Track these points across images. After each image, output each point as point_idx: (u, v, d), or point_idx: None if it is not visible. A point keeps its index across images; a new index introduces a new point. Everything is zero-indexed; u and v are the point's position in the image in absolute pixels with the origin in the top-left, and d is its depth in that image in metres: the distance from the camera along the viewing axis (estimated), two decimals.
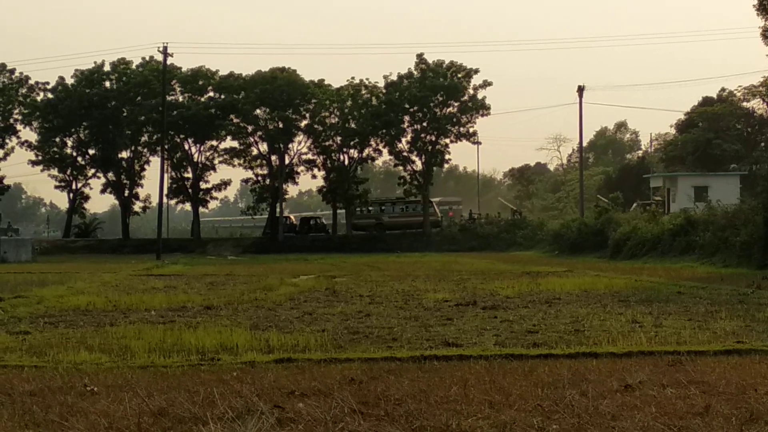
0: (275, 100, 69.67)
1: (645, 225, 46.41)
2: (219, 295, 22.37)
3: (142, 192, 75.00)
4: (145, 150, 73.56)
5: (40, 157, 72.40)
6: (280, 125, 71.03)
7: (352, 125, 71.80)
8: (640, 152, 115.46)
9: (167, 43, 61.63)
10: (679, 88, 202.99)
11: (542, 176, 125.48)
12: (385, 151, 73.74)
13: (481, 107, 71.22)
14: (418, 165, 72.03)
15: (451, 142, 72.13)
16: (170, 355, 12.07)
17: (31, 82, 72.42)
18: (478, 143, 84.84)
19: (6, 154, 72.10)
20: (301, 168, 73.59)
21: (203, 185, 73.61)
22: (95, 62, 72.97)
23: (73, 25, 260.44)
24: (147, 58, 72.10)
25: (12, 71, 72.15)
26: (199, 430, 7.65)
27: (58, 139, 72.77)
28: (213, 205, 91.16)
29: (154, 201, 74.58)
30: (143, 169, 74.15)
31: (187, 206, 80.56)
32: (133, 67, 72.55)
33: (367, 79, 72.21)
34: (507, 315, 16.90)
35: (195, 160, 72.61)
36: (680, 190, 64.04)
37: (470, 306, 18.71)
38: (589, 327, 14.76)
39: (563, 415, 8.03)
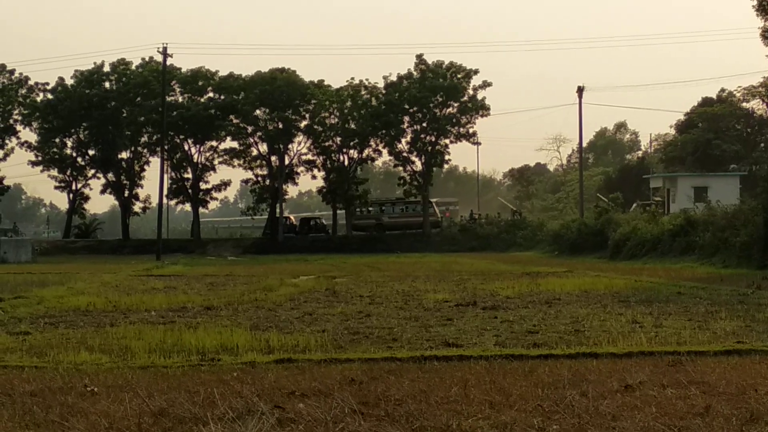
0: (275, 100, 69.67)
1: (645, 225, 46.41)
2: (219, 295, 22.38)
3: (142, 192, 75.07)
4: (145, 150, 73.54)
5: (39, 158, 72.37)
6: (280, 126, 71.02)
7: (352, 126, 71.80)
8: (639, 153, 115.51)
9: (167, 44, 61.74)
10: (678, 88, 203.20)
11: (542, 177, 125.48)
12: (384, 151, 73.80)
13: (480, 108, 71.24)
14: (418, 165, 72.06)
15: (451, 142, 72.19)
16: (170, 356, 12.07)
17: (31, 82, 72.44)
18: (478, 144, 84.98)
19: (6, 155, 72.08)
20: (301, 168, 73.63)
21: (203, 186, 73.59)
22: (95, 63, 73.03)
23: (72, 25, 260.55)
24: (147, 59, 72.15)
25: (12, 72, 72.14)
26: (200, 431, 7.65)
27: (57, 140, 72.73)
28: (213, 205, 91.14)
29: (154, 201, 74.62)
30: (143, 170, 74.15)
31: (187, 207, 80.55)
32: (133, 67, 72.52)
33: (366, 79, 72.33)
34: (507, 315, 16.90)
35: (195, 160, 72.60)
36: (680, 190, 64.04)
37: (470, 306, 18.72)
38: (590, 327, 14.77)
39: (563, 416, 8.04)
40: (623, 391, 9.18)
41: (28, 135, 73.32)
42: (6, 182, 73.94)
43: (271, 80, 70.16)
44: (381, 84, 71.70)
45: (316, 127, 71.62)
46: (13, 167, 77.36)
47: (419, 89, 69.86)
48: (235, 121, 71.88)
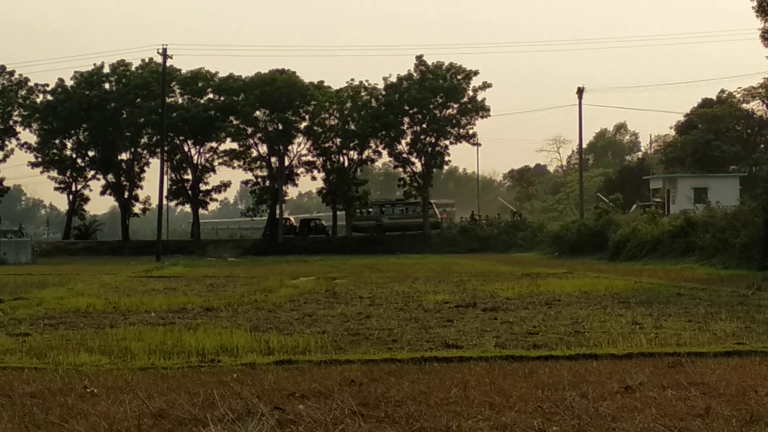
0: (275, 101, 69.66)
1: (645, 226, 46.40)
2: (219, 296, 22.37)
3: (141, 194, 75.02)
4: (145, 152, 73.54)
5: (39, 159, 72.37)
6: (280, 127, 71.01)
7: (352, 127, 71.80)
8: (639, 154, 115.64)
9: (167, 45, 61.81)
10: (678, 89, 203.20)
11: (542, 178, 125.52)
12: (384, 152, 73.77)
13: (480, 109, 71.24)
14: (418, 166, 72.04)
15: (451, 143, 72.18)
16: (170, 357, 12.07)
17: (31, 83, 72.43)
18: (478, 145, 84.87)
19: (6, 156, 72.09)
20: (301, 170, 73.62)
21: (203, 187, 73.58)
22: (95, 64, 73.00)
23: (72, 26, 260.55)
24: (146, 60, 72.17)
25: (11, 73, 72.14)
26: None
27: (57, 141, 72.73)
28: (213, 206, 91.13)
29: (154, 203, 74.57)
30: (143, 171, 74.15)
31: (187, 208, 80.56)
32: (133, 68, 72.52)
33: (366, 80, 72.33)
34: (507, 316, 16.90)
35: (195, 161, 72.60)
36: (680, 191, 64.05)
37: (470, 307, 18.71)
38: (589, 328, 14.76)
39: (563, 417, 8.03)
40: (623, 392, 9.18)
41: (28, 136, 73.45)
42: (6, 183, 73.96)
43: (270, 81, 70.16)
44: (381, 85, 71.81)
45: (316, 128, 71.62)
46: (12, 168, 77.30)
47: (419, 90, 69.86)
48: (234, 122, 71.88)
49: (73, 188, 73.57)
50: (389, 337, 14.07)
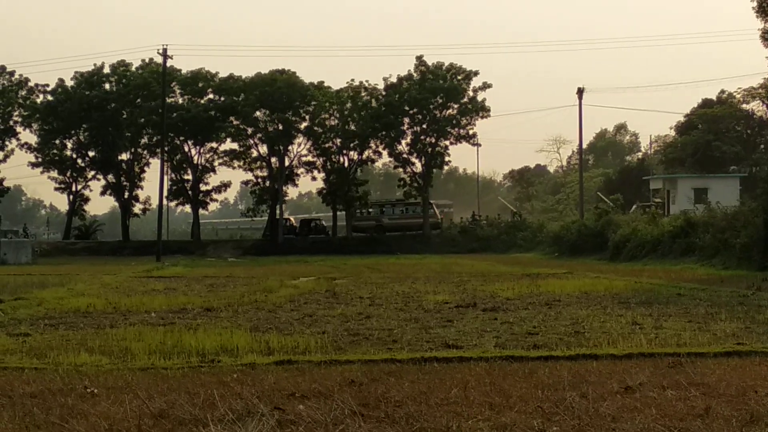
0: (275, 102, 69.68)
1: (645, 227, 46.41)
2: (219, 297, 22.37)
3: (141, 194, 75.08)
4: (145, 152, 73.58)
5: (39, 159, 72.40)
6: (280, 127, 71.03)
7: (352, 127, 71.81)
8: (639, 154, 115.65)
9: (167, 45, 61.85)
10: (678, 90, 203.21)
11: (542, 178, 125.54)
12: (384, 153, 73.81)
13: (480, 109, 71.26)
14: (418, 167, 72.07)
15: (451, 143, 72.22)
16: (170, 357, 12.07)
17: (31, 84, 72.49)
18: (478, 145, 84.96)
19: (6, 156, 72.13)
20: (301, 170, 73.66)
21: (203, 187, 73.62)
22: (95, 64, 73.05)
23: (72, 27, 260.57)
24: (147, 60, 72.21)
25: (12, 73, 72.18)
26: None
27: (57, 141, 72.77)
28: (213, 207, 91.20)
29: (154, 203, 74.62)
30: (143, 171, 74.18)
31: (187, 208, 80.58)
32: (133, 69, 72.56)
33: (366, 81, 72.39)
34: (507, 317, 16.90)
35: (195, 162, 72.62)
36: (680, 191, 64.07)
37: (470, 308, 18.71)
38: (589, 329, 14.76)
39: (563, 417, 8.04)
40: (623, 392, 9.18)
41: (28, 136, 73.50)
42: (6, 184, 73.99)
43: (271, 82, 70.18)
44: (381, 85, 71.86)
45: (316, 128, 71.64)
46: (13, 169, 77.37)
47: (419, 90, 69.88)
48: (235, 122, 71.90)
49: (74, 188, 73.61)
50: (389, 337, 14.07)
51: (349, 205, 72.60)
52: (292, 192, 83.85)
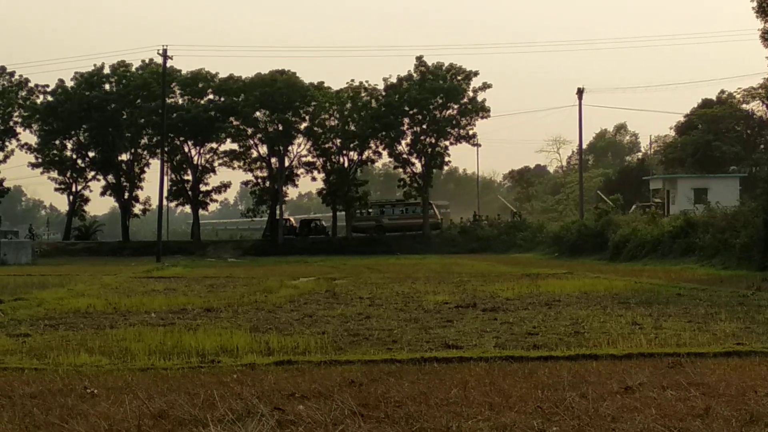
0: (275, 102, 69.69)
1: (645, 227, 46.42)
2: (219, 297, 22.37)
3: (141, 194, 75.13)
4: (145, 152, 73.59)
5: (39, 160, 72.43)
6: (280, 127, 71.04)
7: (352, 127, 71.82)
8: (639, 154, 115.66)
9: (167, 46, 61.84)
10: (678, 90, 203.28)
11: (542, 178, 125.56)
12: (384, 153, 73.83)
13: (480, 109, 71.27)
14: (418, 167, 72.08)
15: (451, 144, 72.24)
16: (170, 358, 12.07)
17: (31, 84, 72.53)
18: (478, 145, 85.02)
19: (6, 157, 72.16)
20: (301, 170, 73.68)
21: (203, 187, 73.63)
22: (95, 65, 73.08)
23: (72, 27, 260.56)
24: (147, 61, 72.23)
25: (12, 74, 72.20)
26: None
27: (57, 142, 72.80)
28: (213, 207, 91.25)
29: (154, 203, 74.63)
30: (143, 172, 74.21)
31: (187, 209, 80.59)
32: (133, 69, 72.58)
33: (366, 81, 72.40)
34: (507, 317, 16.90)
35: (195, 162, 72.64)
36: (680, 192, 64.08)
37: (470, 308, 18.70)
38: (589, 329, 14.76)
39: (563, 417, 8.04)
40: (623, 392, 9.18)
41: (28, 137, 73.54)
42: (6, 184, 74.02)
43: (271, 82, 70.19)
44: (381, 86, 71.88)
45: (316, 128, 71.66)
46: (13, 169, 77.60)
47: (419, 91, 69.89)
48: (235, 122, 71.92)
49: (74, 189, 73.63)
50: (389, 337, 14.07)
51: (349, 205, 72.61)
52: (292, 192, 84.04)
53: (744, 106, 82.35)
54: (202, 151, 72.65)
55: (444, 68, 71.36)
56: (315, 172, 73.68)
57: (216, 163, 73.27)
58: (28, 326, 16.17)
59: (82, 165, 73.53)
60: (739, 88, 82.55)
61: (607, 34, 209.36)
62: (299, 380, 10.07)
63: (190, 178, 72.94)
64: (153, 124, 69.22)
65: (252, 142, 72.64)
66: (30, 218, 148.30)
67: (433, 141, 71.35)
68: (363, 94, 72.09)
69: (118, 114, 71.78)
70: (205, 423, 7.83)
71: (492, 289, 24.01)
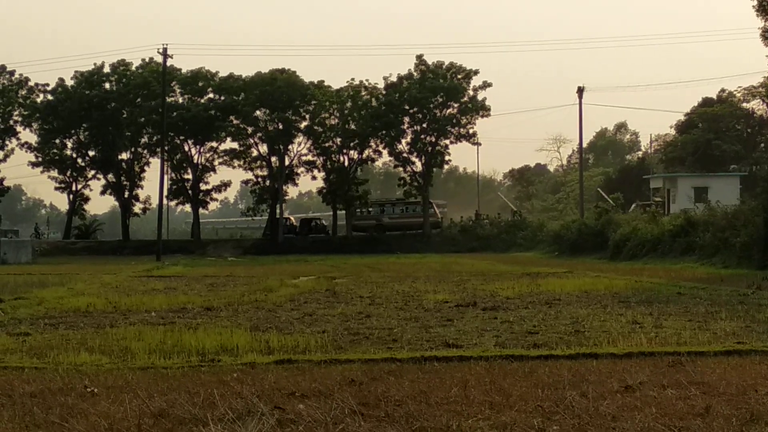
0: (275, 101, 69.68)
1: (645, 226, 46.42)
2: (219, 296, 22.37)
3: (142, 193, 75.12)
4: (145, 151, 73.59)
5: (40, 159, 72.43)
6: (280, 126, 71.04)
7: (352, 126, 71.83)
8: (640, 153, 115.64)
9: (167, 45, 61.83)
10: (678, 88, 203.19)
11: (542, 177, 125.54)
12: (385, 152, 73.84)
13: (480, 108, 71.26)
14: (418, 166, 72.08)
15: (451, 143, 72.22)
16: (170, 357, 12.07)
17: (31, 83, 72.53)
18: (478, 144, 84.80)
19: (6, 156, 72.17)
20: (301, 169, 73.68)
21: (203, 186, 73.63)
22: (95, 64, 73.07)
23: (72, 26, 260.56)
24: (147, 60, 72.20)
25: (12, 73, 72.20)
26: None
27: (57, 141, 72.80)
28: (213, 206, 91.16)
29: (154, 202, 74.65)
30: (143, 171, 74.20)
31: (187, 207, 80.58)
32: (133, 68, 72.56)
33: (366, 80, 72.41)
34: (507, 316, 16.90)
35: (195, 161, 72.64)
36: (680, 190, 64.09)
37: (470, 307, 18.70)
38: (590, 328, 14.76)
39: (563, 416, 8.04)
40: (623, 391, 9.18)
41: (28, 136, 73.53)
42: (6, 183, 74.02)
43: (271, 81, 70.18)
44: (381, 84, 71.87)
45: (316, 127, 71.65)
46: (13, 168, 77.39)
47: (419, 90, 69.89)
48: (235, 121, 71.92)
49: (74, 188, 73.64)
50: (389, 336, 14.07)
51: (349, 204, 72.61)
52: (292, 191, 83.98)
53: (744, 104, 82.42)
54: (202, 150, 72.67)
55: (444, 67, 71.35)
56: (315, 171, 73.80)
57: (216, 162, 73.35)
58: (28, 325, 16.17)
59: (82, 164, 73.54)
60: (739, 87, 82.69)
61: (607, 33, 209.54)
62: (299, 379, 10.07)
63: (190, 177, 72.94)
64: (153, 122, 69.20)
65: (252, 141, 72.66)
66: (30, 217, 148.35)
67: (434, 140, 71.35)
68: (363, 93, 72.08)
69: (118, 113, 71.78)
70: (206, 422, 7.83)
71: (492, 288, 24.01)
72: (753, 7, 37.88)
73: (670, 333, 13.88)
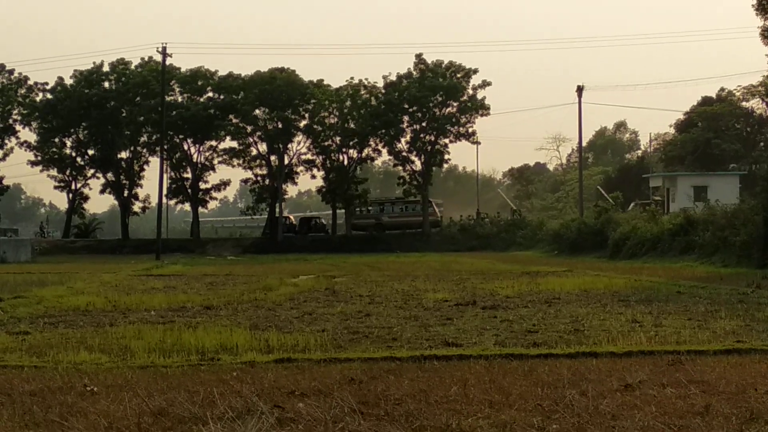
0: (274, 100, 69.67)
1: (645, 225, 46.42)
2: (219, 295, 22.37)
3: (141, 192, 75.11)
4: (145, 150, 73.59)
5: (39, 158, 72.44)
6: (280, 125, 71.03)
7: (352, 125, 71.82)
8: (639, 152, 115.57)
9: (166, 44, 61.79)
10: (678, 87, 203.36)
11: (541, 176, 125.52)
12: (384, 151, 73.84)
13: (480, 107, 71.27)
14: (418, 165, 72.10)
15: (451, 142, 72.25)
16: (170, 355, 12.06)
17: (30, 82, 72.53)
18: (478, 143, 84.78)
19: (5, 155, 72.17)
20: (301, 168, 73.68)
21: (202, 185, 73.64)
22: (94, 63, 73.08)
23: (72, 25, 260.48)
24: (146, 59, 72.20)
25: (11, 71, 72.19)
26: (199, 430, 7.65)
27: (57, 140, 72.78)
28: (212, 205, 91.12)
29: (154, 201, 74.64)
30: (142, 170, 74.19)
31: (187, 206, 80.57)
32: (132, 67, 72.56)
33: (366, 79, 72.38)
34: (507, 315, 16.89)
35: (194, 160, 72.63)
36: (680, 189, 64.10)
37: (470, 306, 18.70)
38: (589, 327, 14.76)
39: (563, 415, 8.04)
40: (623, 390, 9.18)
41: (28, 135, 73.51)
42: (5, 182, 74.03)
43: (270, 80, 70.17)
44: (380, 83, 71.87)
45: (315, 126, 71.65)
46: (12, 167, 77.47)
47: (419, 89, 69.88)
48: (234, 120, 71.92)
49: (73, 187, 73.63)
50: (389, 335, 14.07)
51: (348, 203, 72.61)
52: (291, 190, 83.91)
53: (744, 103, 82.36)
54: (201, 148, 72.67)
55: (443, 66, 71.34)
56: (314, 170, 73.81)
57: (215, 161, 73.34)
58: (27, 324, 16.17)
59: (82, 163, 73.53)
60: (738, 86, 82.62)
61: (606, 32, 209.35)
62: (299, 378, 10.07)
63: (189, 176, 72.93)
64: (152, 121, 69.19)
65: (251, 139, 72.67)
66: (30, 216, 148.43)
67: (433, 139, 71.35)
68: (362, 92, 72.08)
69: (117, 112, 71.77)
70: (205, 421, 7.83)
71: (492, 287, 24.01)
72: (752, 5, 37.91)
73: (670, 332, 13.88)
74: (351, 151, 73.07)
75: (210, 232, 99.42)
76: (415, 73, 71.32)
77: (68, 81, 72.41)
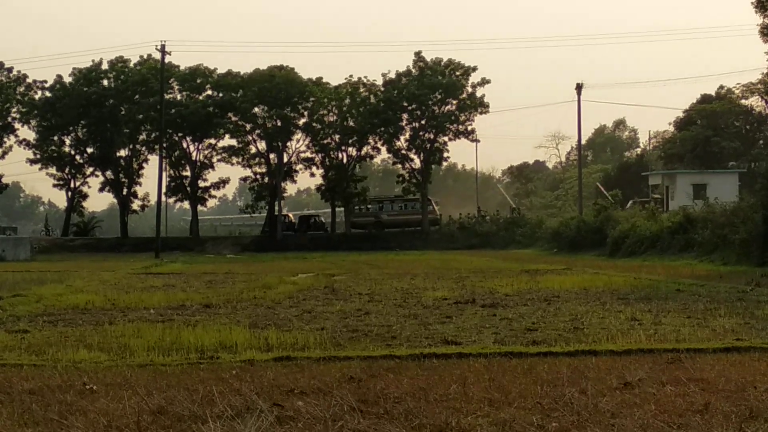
0: (273, 98, 69.63)
1: (644, 223, 46.43)
2: (218, 293, 22.37)
3: (140, 190, 75.00)
4: (144, 148, 73.56)
5: (38, 156, 72.39)
6: (279, 123, 71.00)
7: (351, 123, 71.78)
8: (638, 150, 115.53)
9: (165, 42, 61.76)
10: (677, 85, 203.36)
11: (541, 174, 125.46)
12: (383, 149, 73.80)
13: (479, 105, 71.24)
14: (417, 163, 72.08)
15: (450, 140, 72.22)
16: (169, 354, 12.06)
17: (29, 80, 72.43)
18: (477, 141, 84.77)
19: (4, 153, 72.10)
20: (300, 166, 73.65)
21: (202, 183, 73.60)
22: (93, 61, 72.97)
23: (71, 23, 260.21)
24: (145, 57, 72.09)
25: (10, 69, 72.11)
26: (199, 429, 7.64)
27: (56, 138, 72.73)
28: (211, 203, 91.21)
29: (153, 199, 74.55)
30: (141, 168, 74.15)
31: (186, 204, 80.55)
32: (131, 65, 72.49)
33: (365, 77, 72.32)
34: (506, 313, 16.89)
35: (193, 158, 72.59)
36: (679, 187, 64.11)
37: (469, 304, 18.70)
38: (589, 325, 14.76)
39: (563, 413, 8.03)
40: (622, 388, 9.18)
41: (27, 133, 73.44)
42: (4, 180, 74.02)
43: (269, 78, 70.12)
44: (380, 81, 71.82)
45: (314, 124, 71.61)
46: (11, 165, 77.68)
47: (418, 87, 69.85)
48: (233, 118, 71.87)
49: (72, 185, 73.60)
50: (388, 333, 14.07)
51: (347, 201, 72.59)
52: (290, 188, 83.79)
53: (743, 101, 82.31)
54: (200, 147, 72.63)
55: (443, 64, 71.31)
56: (314, 168, 73.75)
57: (214, 159, 73.30)
58: (26, 322, 16.17)
59: (81, 161, 73.49)
60: (738, 84, 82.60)
61: (606, 30, 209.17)
62: (298, 376, 10.07)
63: (188, 174, 72.89)
64: (151, 119, 69.16)
65: (250, 138, 72.63)
66: (29, 214, 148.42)
67: (432, 137, 71.33)
68: (362, 90, 72.03)
69: (116, 110, 71.73)
70: (204, 419, 7.83)
71: (491, 285, 24.02)
72: (752, 3, 37.91)
73: (669, 330, 13.88)
74: (350, 149, 73.06)
75: (209, 231, 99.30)
76: (414, 71, 71.29)
77: (67, 79, 72.37)
